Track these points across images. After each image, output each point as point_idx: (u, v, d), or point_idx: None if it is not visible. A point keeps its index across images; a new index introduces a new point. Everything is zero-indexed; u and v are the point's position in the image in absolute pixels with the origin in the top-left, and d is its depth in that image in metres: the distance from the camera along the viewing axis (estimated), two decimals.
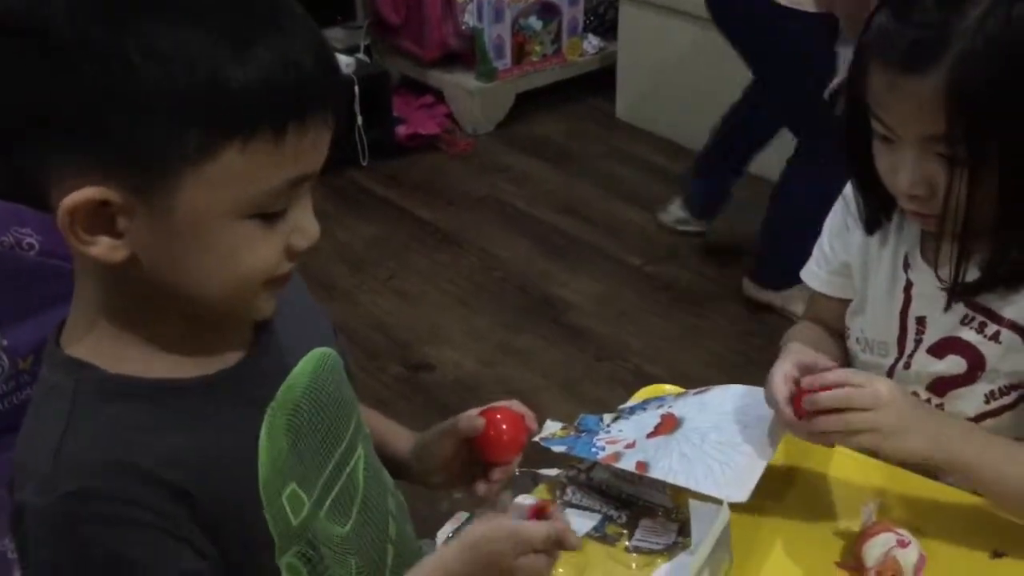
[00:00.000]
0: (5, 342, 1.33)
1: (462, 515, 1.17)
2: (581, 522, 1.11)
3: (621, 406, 1.25)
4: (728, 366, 2.52)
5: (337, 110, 0.78)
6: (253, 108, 0.72)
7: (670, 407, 1.20)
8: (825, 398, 1.03)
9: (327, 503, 0.88)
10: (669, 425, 1.16)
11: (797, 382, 1.08)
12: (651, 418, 1.19)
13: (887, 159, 1.07)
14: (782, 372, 1.09)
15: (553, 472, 1.19)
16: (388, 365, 2.49)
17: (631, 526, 1.11)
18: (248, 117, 0.72)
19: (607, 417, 1.22)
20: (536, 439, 1.18)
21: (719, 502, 1.03)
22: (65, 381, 0.78)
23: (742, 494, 1.05)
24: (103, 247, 0.74)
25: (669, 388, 1.32)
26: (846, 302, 1.26)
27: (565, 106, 3.79)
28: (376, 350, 2.53)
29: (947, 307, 1.13)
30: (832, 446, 1.13)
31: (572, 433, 1.20)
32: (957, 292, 1.11)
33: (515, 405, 1.05)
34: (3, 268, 1.29)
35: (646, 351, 2.58)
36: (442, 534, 1.16)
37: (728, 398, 1.19)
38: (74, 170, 0.72)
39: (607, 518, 1.12)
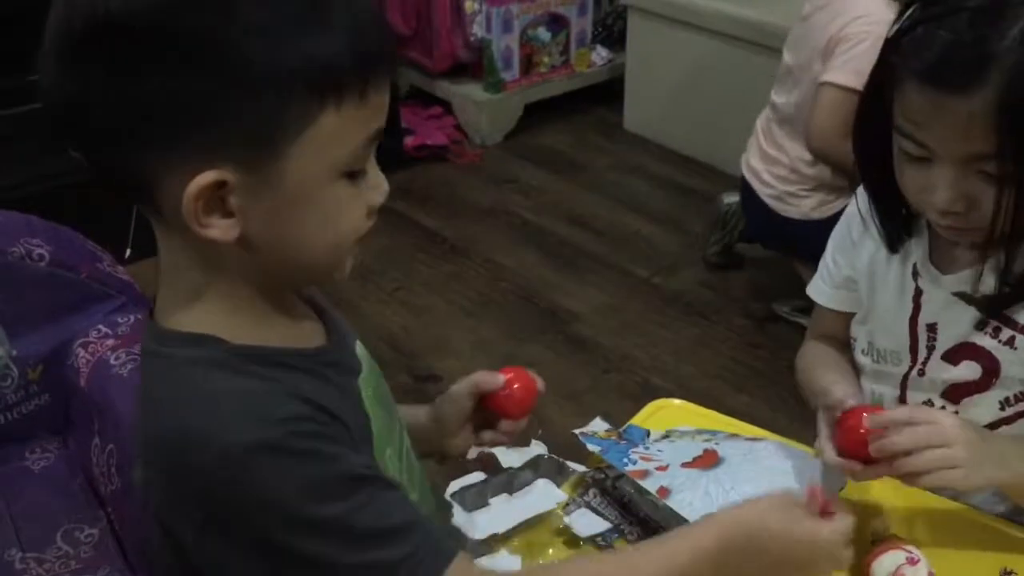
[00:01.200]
0: (15, 352, 1.34)
1: (478, 475, 1.17)
2: (591, 523, 1.11)
3: (672, 428, 1.24)
4: (734, 378, 2.52)
5: (395, 67, 0.84)
6: (342, 71, 0.76)
7: (717, 444, 1.18)
8: (902, 440, 1.01)
9: (404, 474, 0.95)
10: (708, 460, 1.15)
11: (841, 421, 1.07)
12: (694, 448, 1.17)
13: (918, 178, 1.04)
14: (827, 440, 1.08)
15: (581, 468, 1.18)
16: (395, 376, 2.49)
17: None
18: (338, 80, 0.77)
19: (655, 433, 1.22)
20: (576, 432, 1.20)
21: None
22: (203, 353, 0.81)
23: None
24: (220, 228, 0.77)
25: (677, 402, 1.32)
26: (851, 316, 1.26)
27: (573, 117, 3.80)
28: (383, 361, 2.49)
29: (978, 322, 1.13)
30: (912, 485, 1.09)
31: (614, 438, 1.20)
32: (995, 304, 1.10)
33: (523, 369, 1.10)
34: (13, 278, 1.30)
35: (652, 363, 2.58)
36: (451, 489, 1.15)
37: (776, 453, 1.17)
38: (181, 159, 0.75)
39: (618, 530, 1.11)
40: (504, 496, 1.14)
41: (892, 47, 1.02)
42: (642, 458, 1.15)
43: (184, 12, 0.72)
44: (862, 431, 1.04)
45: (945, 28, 0.97)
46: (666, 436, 1.21)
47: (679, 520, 1.07)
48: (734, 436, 1.21)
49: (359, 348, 0.95)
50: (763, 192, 2.54)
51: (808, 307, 2.66)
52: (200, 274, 0.82)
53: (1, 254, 1.29)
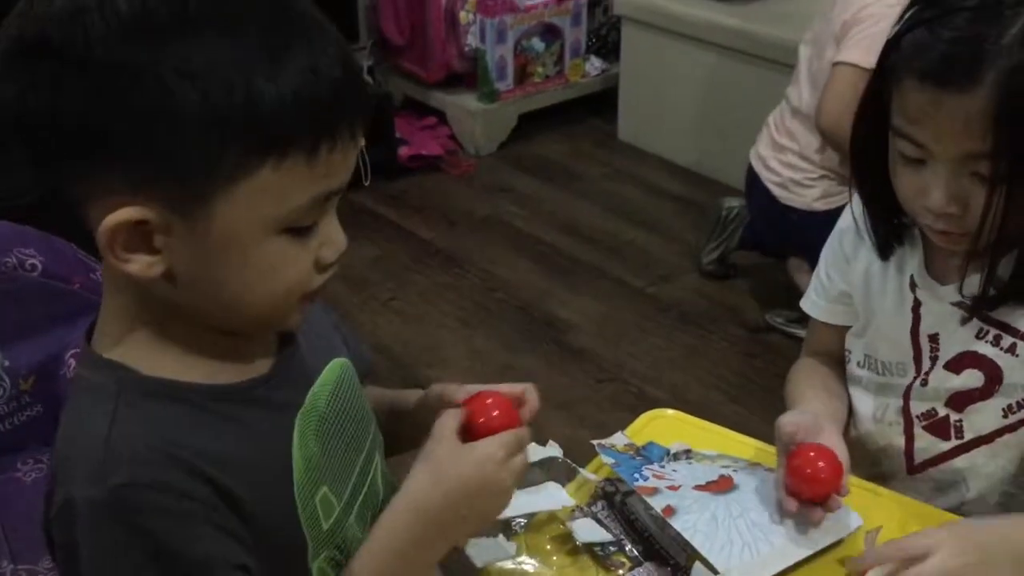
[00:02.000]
0: (7, 363, 1.33)
1: None
2: (593, 532, 1.10)
3: (697, 450, 1.22)
4: (729, 388, 2.52)
5: (364, 123, 0.79)
6: (287, 126, 0.73)
7: (734, 471, 1.17)
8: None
9: (355, 507, 0.90)
10: (722, 486, 1.14)
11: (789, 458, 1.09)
12: (710, 472, 1.16)
13: (913, 180, 1.05)
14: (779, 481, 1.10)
15: (592, 476, 1.18)
16: (389, 386, 2.47)
17: (636, 563, 1.09)
18: (282, 135, 0.73)
19: (674, 450, 1.21)
20: (594, 442, 1.19)
21: None
22: (107, 381, 0.79)
23: None
24: (140, 264, 0.75)
25: (671, 413, 1.31)
26: (846, 329, 1.26)
27: (567, 127, 3.80)
28: (377, 371, 2.52)
29: (964, 322, 1.13)
30: None
31: (631, 453, 1.19)
32: (981, 306, 1.10)
33: (506, 388, 0.98)
34: (5, 289, 1.30)
35: (647, 373, 2.58)
36: None
37: None
38: (110, 189, 0.73)
39: (619, 545, 1.10)
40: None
41: (892, 47, 1.03)
42: (655, 475, 1.14)
43: (115, 44, 0.70)
44: (807, 471, 1.06)
45: (945, 27, 0.98)
46: (687, 457, 1.20)
47: (682, 544, 1.06)
48: (755, 465, 1.19)
49: (333, 371, 0.91)
50: (768, 179, 2.55)
51: (801, 318, 2.67)
52: (130, 300, 0.80)
53: None
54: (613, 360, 2.63)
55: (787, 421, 1.11)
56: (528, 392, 0.98)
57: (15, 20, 0.73)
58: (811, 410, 1.17)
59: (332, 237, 0.81)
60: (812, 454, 1.07)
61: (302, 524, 0.83)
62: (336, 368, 0.91)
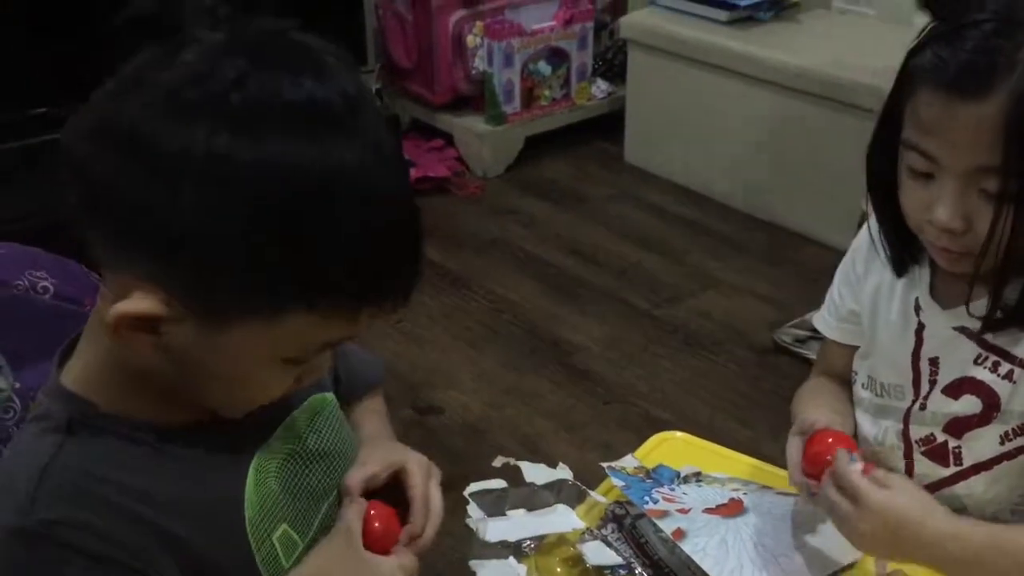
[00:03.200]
0: (18, 384, 1.34)
1: (499, 482, 1.14)
2: (603, 555, 1.10)
3: (707, 473, 1.23)
4: (736, 410, 2.51)
5: (418, 281, 0.78)
6: (333, 292, 0.72)
7: (745, 494, 1.17)
8: (822, 490, 1.05)
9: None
10: (732, 509, 1.14)
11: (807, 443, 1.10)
12: (720, 495, 1.17)
13: (921, 195, 1.05)
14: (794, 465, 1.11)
15: (602, 499, 1.18)
16: (397, 408, 2.48)
17: None
18: (324, 297, 0.73)
19: (684, 472, 1.21)
20: (604, 465, 1.19)
21: None
22: (61, 411, 0.80)
23: None
24: (139, 344, 0.75)
25: (680, 435, 1.32)
26: (856, 350, 1.27)
27: (574, 150, 3.81)
28: (385, 392, 2.51)
29: (964, 346, 1.13)
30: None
31: (641, 475, 1.19)
32: (985, 331, 1.11)
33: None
34: (18, 311, 1.30)
35: (654, 395, 2.58)
36: (470, 489, 1.12)
37: (805, 510, 1.15)
38: (138, 272, 0.73)
39: (629, 568, 1.10)
40: (522, 511, 1.13)
41: (910, 59, 1.04)
42: (665, 498, 1.14)
43: (199, 146, 0.69)
44: (826, 456, 1.06)
45: (961, 39, 0.99)
46: (697, 479, 1.20)
47: (692, 567, 1.06)
48: (765, 488, 1.19)
49: (309, 409, 0.90)
50: None
51: (809, 337, 2.64)
52: (110, 348, 0.79)
53: (6, 287, 1.29)
54: (619, 382, 2.63)
55: (807, 415, 1.14)
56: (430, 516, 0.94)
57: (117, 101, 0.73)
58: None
59: (319, 364, 0.81)
60: (831, 440, 1.08)
61: (258, 563, 0.83)
62: (315, 403, 0.91)
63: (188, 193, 0.69)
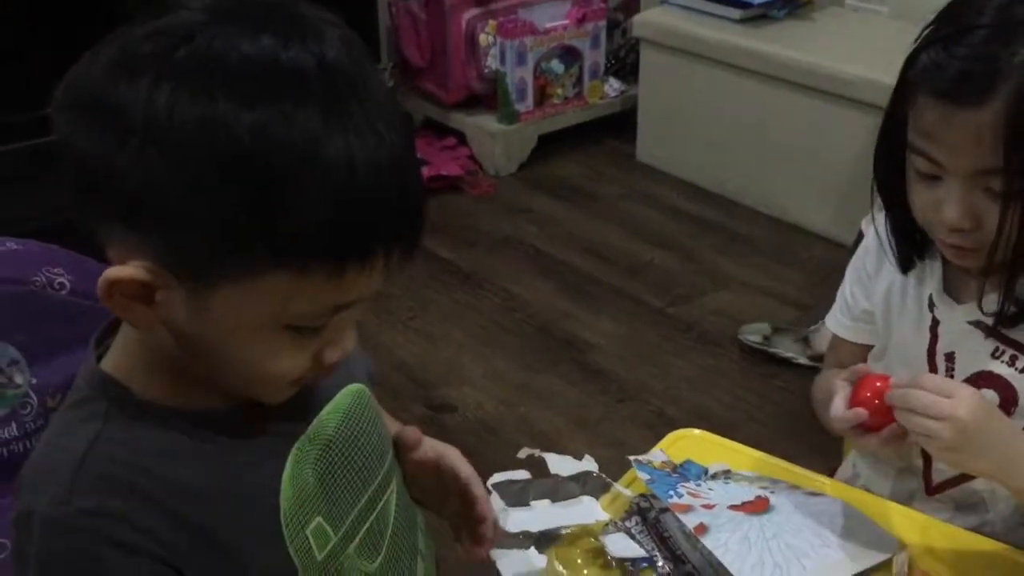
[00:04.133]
0: (34, 380, 1.35)
1: (523, 473, 1.14)
2: (624, 546, 1.10)
3: (737, 471, 1.22)
4: (749, 408, 2.51)
5: (412, 241, 0.76)
6: (309, 243, 0.70)
7: (772, 492, 1.17)
8: (908, 397, 1.02)
9: (358, 537, 0.88)
10: (758, 507, 1.14)
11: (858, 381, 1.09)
12: (745, 493, 1.16)
13: (928, 196, 1.06)
14: (841, 399, 1.09)
15: (629, 492, 1.18)
16: (410, 406, 2.49)
17: None
18: (302, 251, 0.71)
19: (713, 470, 1.21)
20: (631, 458, 1.19)
21: None
22: (99, 397, 0.80)
23: None
24: (137, 314, 0.75)
25: (698, 433, 1.31)
26: (869, 348, 1.27)
27: (586, 148, 3.81)
28: (398, 391, 2.53)
29: (980, 341, 1.13)
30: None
31: (668, 470, 1.19)
32: (998, 325, 1.11)
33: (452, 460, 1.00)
34: (34, 307, 1.31)
35: (667, 392, 2.58)
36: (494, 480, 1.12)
37: (829, 510, 1.15)
38: (126, 242, 0.73)
39: (651, 562, 1.10)
40: (546, 502, 1.13)
41: (909, 65, 1.04)
42: (690, 493, 1.14)
43: (161, 110, 0.68)
44: (875, 401, 1.05)
45: (960, 45, 1.00)
46: (725, 476, 1.20)
47: (715, 564, 1.06)
48: (794, 488, 1.19)
49: (346, 398, 0.89)
50: None
51: (774, 331, 2.65)
52: (138, 334, 0.79)
53: (23, 283, 1.30)
54: (632, 380, 2.63)
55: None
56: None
57: (91, 71, 0.72)
58: None
59: (338, 339, 0.79)
60: (879, 384, 1.07)
61: (292, 554, 0.82)
62: (349, 394, 0.90)
63: (137, 150, 0.68)
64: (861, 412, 1.05)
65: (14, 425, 1.35)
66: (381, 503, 0.92)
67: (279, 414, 0.83)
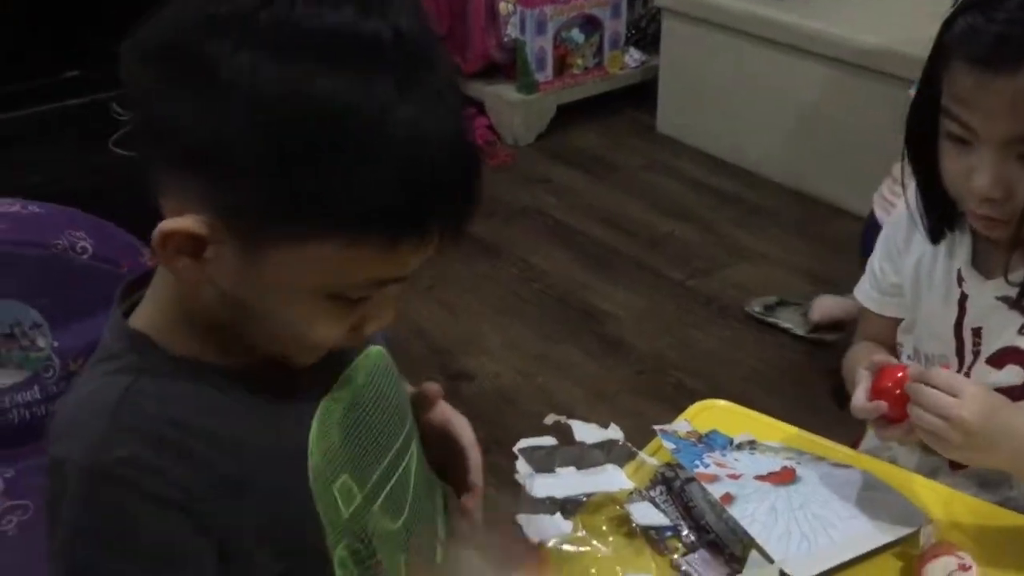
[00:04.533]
0: (56, 344, 1.35)
1: (549, 439, 1.14)
2: (650, 515, 1.10)
3: (763, 442, 1.22)
4: (768, 381, 2.50)
5: (469, 219, 0.76)
6: (368, 212, 0.71)
7: (798, 463, 1.16)
8: (919, 394, 1.02)
9: (382, 496, 0.89)
10: (784, 477, 1.13)
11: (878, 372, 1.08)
12: (772, 463, 1.16)
13: (961, 163, 1.06)
14: (863, 390, 1.09)
15: (654, 461, 1.17)
16: (428, 373, 2.49)
17: (691, 548, 1.08)
18: (358, 223, 0.71)
19: (737, 440, 1.21)
20: (656, 428, 1.19)
21: None
22: (129, 352, 0.80)
23: (803, 573, 1.02)
24: (185, 266, 0.75)
25: (722, 403, 1.31)
26: (898, 320, 1.26)
27: (606, 119, 3.79)
28: (416, 359, 2.53)
29: (1007, 316, 1.12)
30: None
31: (693, 440, 1.19)
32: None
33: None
34: (56, 271, 1.31)
35: (686, 365, 2.57)
36: (520, 445, 1.13)
37: (856, 482, 1.14)
38: (185, 193, 0.73)
39: (675, 530, 1.10)
40: (572, 469, 1.13)
41: (945, 29, 1.04)
42: (716, 463, 1.13)
43: (246, 67, 0.69)
44: (896, 392, 1.04)
45: (997, 10, 0.99)
46: (751, 447, 1.20)
47: (740, 533, 1.06)
48: (820, 459, 1.19)
49: (368, 359, 0.90)
50: None
51: (777, 303, 2.66)
52: (175, 290, 0.80)
53: (46, 247, 1.30)
54: (652, 352, 2.63)
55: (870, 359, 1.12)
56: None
57: (177, 20, 0.73)
58: None
59: (379, 313, 0.80)
60: (900, 374, 1.06)
61: (319, 511, 0.83)
62: (371, 357, 0.91)
63: (214, 102, 0.69)
64: (881, 405, 1.05)
65: (36, 388, 1.35)
66: (403, 464, 0.93)
67: (307, 373, 0.84)
